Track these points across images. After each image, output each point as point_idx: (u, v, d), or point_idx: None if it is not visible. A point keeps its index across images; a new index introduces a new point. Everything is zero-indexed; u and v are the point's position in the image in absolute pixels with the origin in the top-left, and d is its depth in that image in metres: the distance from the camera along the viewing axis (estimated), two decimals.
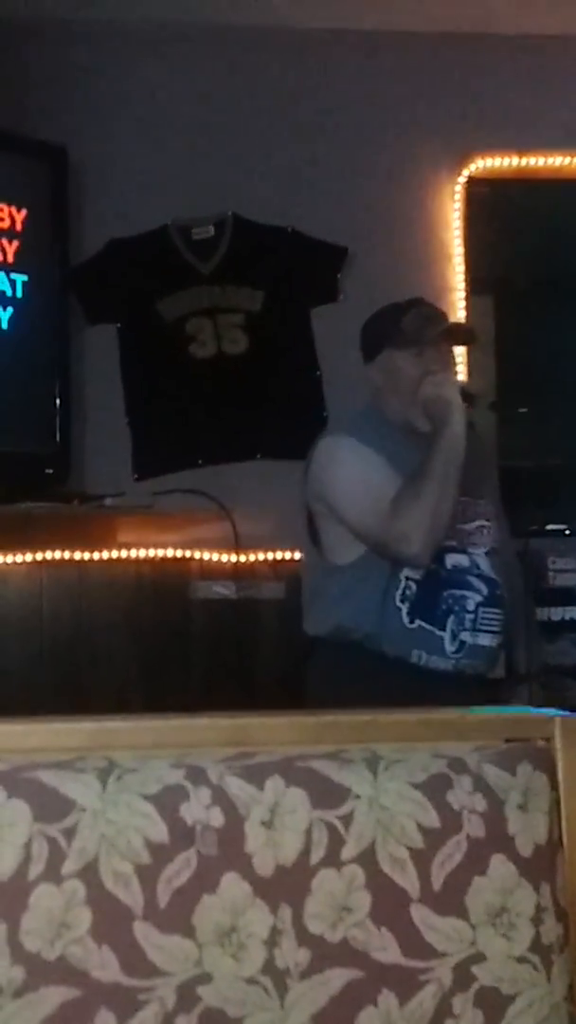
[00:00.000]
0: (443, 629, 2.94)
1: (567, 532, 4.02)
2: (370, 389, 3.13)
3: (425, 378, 2.99)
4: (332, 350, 4.45)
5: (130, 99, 4.53)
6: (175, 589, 4.39)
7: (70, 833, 1.23)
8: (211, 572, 4.41)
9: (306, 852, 1.26)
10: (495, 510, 3.16)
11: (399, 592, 2.94)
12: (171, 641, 4.39)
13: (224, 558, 4.40)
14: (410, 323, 3.04)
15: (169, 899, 1.23)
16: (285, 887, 1.25)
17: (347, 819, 1.27)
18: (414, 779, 1.30)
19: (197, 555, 4.40)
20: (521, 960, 1.28)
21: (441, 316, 3.21)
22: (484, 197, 4.65)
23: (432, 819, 1.29)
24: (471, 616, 2.96)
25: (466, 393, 3.02)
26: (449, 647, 2.94)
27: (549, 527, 4.07)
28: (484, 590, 2.99)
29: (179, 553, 4.39)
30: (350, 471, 3.01)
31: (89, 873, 1.23)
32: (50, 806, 1.24)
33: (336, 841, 1.27)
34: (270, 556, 4.40)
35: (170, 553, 4.38)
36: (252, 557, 4.40)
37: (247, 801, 1.26)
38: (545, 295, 4.81)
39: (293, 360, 4.51)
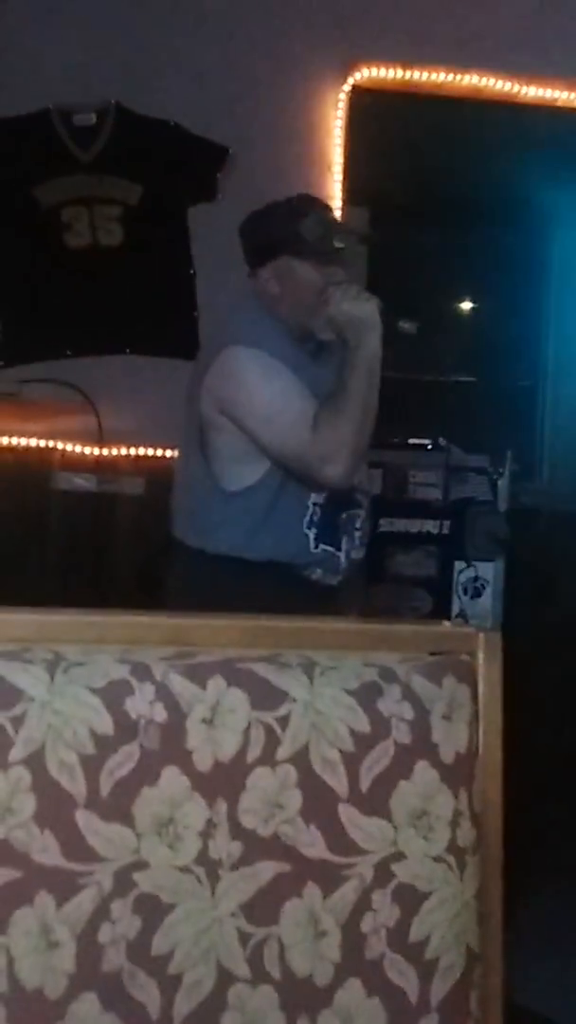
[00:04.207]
0: (340, 550, 2.94)
1: (429, 447, 4.09)
2: (262, 295, 2.97)
3: (330, 289, 2.87)
4: (206, 249, 4.44)
5: None
6: (35, 479, 4.38)
7: (18, 721, 1.26)
8: (73, 464, 4.41)
9: (243, 750, 1.31)
10: None
11: (307, 519, 2.90)
12: (28, 530, 4.40)
13: (87, 450, 4.40)
14: (311, 231, 2.90)
15: (111, 789, 1.27)
16: (222, 782, 1.30)
17: (284, 721, 1.32)
18: (347, 686, 1.35)
19: (60, 446, 4.39)
20: (438, 860, 1.36)
21: (338, 222, 3.15)
22: (367, 107, 4.62)
23: (363, 724, 1.34)
24: (359, 533, 2.99)
25: (382, 310, 2.85)
26: (343, 564, 2.95)
27: (412, 441, 4.13)
28: (366, 505, 3.01)
29: (42, 443, 4.38)
30: (264, 388, 2.83)
31: (35, 761, 1.26)
32: None
33: (272, 741, 1.32)
34: (133, 451, 4.41)
35: (33, 442, 4.37)
36: (115, 451, 4.41)
37: (189, 699, 1.30)
38: (421, 212, 4.85)
39: (167, 257, 4.47)
